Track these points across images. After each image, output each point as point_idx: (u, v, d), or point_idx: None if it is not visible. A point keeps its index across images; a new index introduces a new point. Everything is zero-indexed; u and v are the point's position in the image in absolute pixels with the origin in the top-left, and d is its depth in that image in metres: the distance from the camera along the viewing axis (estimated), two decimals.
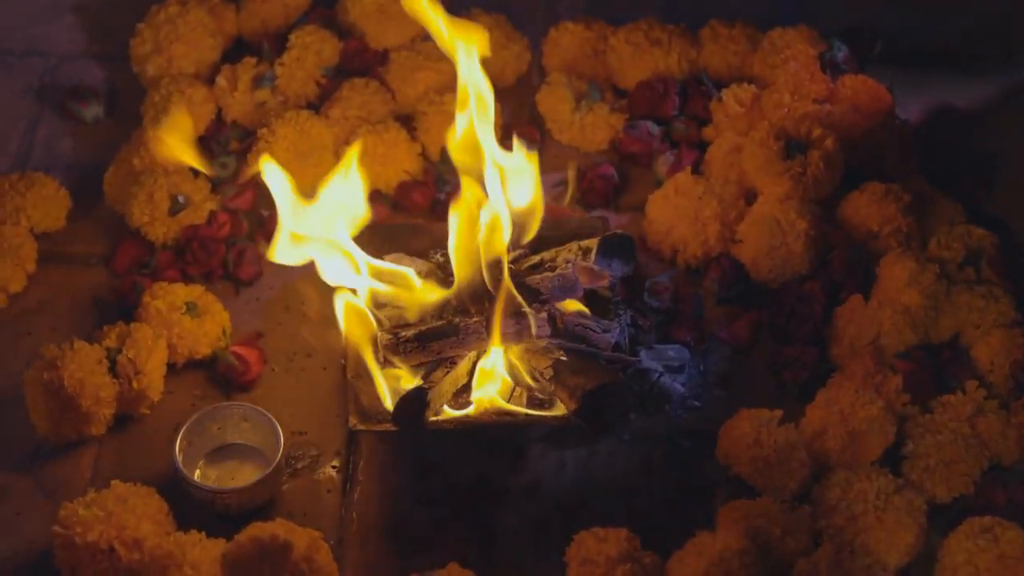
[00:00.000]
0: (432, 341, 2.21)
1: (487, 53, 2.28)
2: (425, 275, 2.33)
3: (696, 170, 2.55)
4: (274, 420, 2.20)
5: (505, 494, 2.21)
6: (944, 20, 2.85)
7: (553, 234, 2.38)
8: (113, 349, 2.27)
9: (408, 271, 2.30)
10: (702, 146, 2.63)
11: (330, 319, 2.31)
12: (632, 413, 2.24)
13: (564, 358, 2.19)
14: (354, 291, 2.28)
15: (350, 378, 2.24)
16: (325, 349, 2.36)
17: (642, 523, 2.15)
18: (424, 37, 2.75)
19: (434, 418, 2.19)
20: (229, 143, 2.62)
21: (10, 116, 2.71)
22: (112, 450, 2.26)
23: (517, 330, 2.18)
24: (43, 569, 2.10)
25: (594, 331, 2.22)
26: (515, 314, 2.17)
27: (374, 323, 2.25)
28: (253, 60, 2.68)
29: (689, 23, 2.77)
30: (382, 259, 2.32)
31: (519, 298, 2.18)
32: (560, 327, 2.21)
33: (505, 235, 2.25)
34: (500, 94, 2.66)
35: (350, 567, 2.11)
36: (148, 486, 2.13)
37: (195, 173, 2.53)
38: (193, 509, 2.15)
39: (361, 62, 2.72)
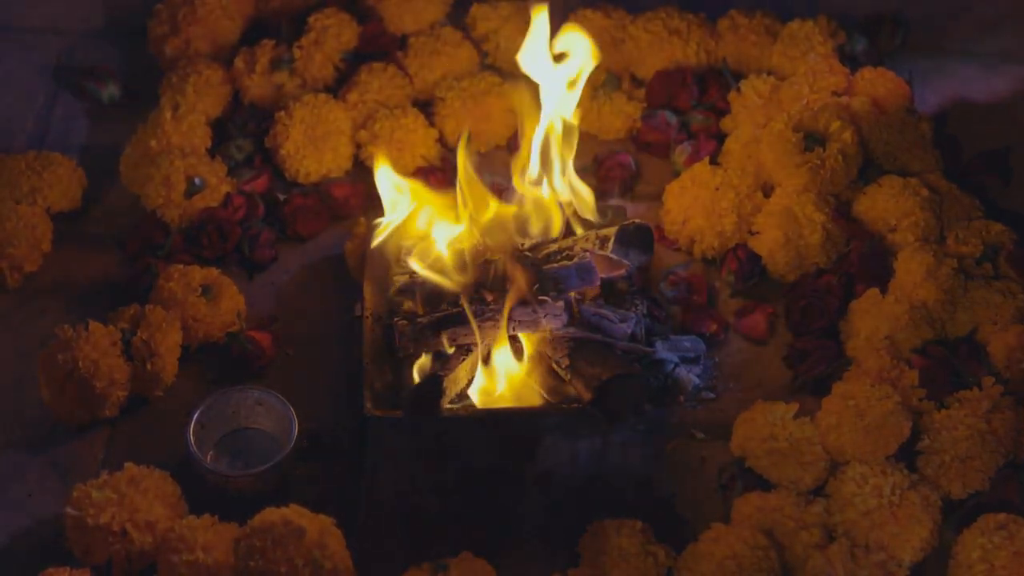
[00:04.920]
0: (447, 328, 2.21)
1: None
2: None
3: (714, 161, 2.54)
4: (288, 405, 2.20)
5: (519, 483, 2.20)
6: (964, 12, 2.84)
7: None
8: (127, 331, 2.27)
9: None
10: (720, 137, 2.62)
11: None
12: (647, 404, 2.23)
13: (579, 348, 2.19)
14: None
15: (365, 363, 2.23)
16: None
17: (656, 514, 2.15)
18: (443, 22, 2.77)
19: (448, 406, 2.19)
20: (246, 125, 2.62)
21: (27, 95, 2.70)
22: (125, 432, 2.26)
23: (533, 319, 2.17)
24: (54, 550, 2.09)
25: (611, 321, 2.21)
26: (532, 302, 2.17)
27: None
28: (271, 42, 2.67)
29: (708, 13, 2.75)
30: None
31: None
32: (577, 316, 2.20)
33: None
34: (518, 81, 2.67)
35: (363, 554, 2.10)
36: (161, 469, 2.13)
37: (211, 155, 2.53)
38: (206, 493, 2.15)
39: (379, 46, 2.71)
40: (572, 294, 2.23)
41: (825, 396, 2.24)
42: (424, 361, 2.22)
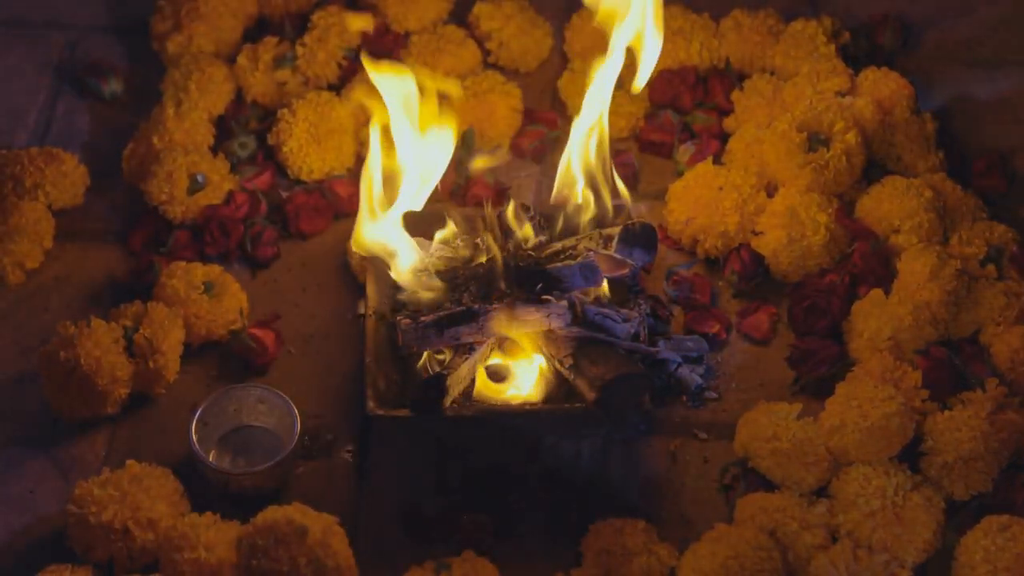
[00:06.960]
0: (451, 327, 2.20)
1: None
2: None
3: (717, 161, 2.53)
4: (290, 403, 2.19)
5: (521, 482, 2.20)
6: (967, 12, 2.83)
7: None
8: (130, 328, 2.26)
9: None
10: (723, 137, 2.62)
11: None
12: (649, 403, 2.23)
13: (582, 347, 2.18)
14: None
15: (368, 362, 2.23)
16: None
17: (659, 514, 2.15)
18: (446, 20, 2.77)
19: (451, 404, 2.18)
20: (249, 123, 2.61)
21: (29, 90, 2.69)
22: (127, 430, 2.26)
23: (538, 317, 2.17)
24: (56, 547, 2.09)
25: (614, 320, 2.21)
26: (537, 301, 2.17)
27: None
28: (274, 40, 2.67)
29: (712, 12, 2.75)
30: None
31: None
32: (580, 315, 2.20)
33: None
34: (522, 79, 2.68)
35: (365, 553, 2.09)
36: (163, 467, 2.13)
37: (214, 152, 2.53)
38: (208, 491, 2.15)
39: (382, 44, 2.70)
40: (575, 293, 2.23)
41: (828, 397, 2.23)
42: (427, 360, 2.22)
